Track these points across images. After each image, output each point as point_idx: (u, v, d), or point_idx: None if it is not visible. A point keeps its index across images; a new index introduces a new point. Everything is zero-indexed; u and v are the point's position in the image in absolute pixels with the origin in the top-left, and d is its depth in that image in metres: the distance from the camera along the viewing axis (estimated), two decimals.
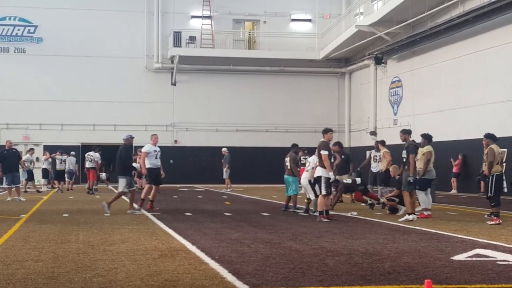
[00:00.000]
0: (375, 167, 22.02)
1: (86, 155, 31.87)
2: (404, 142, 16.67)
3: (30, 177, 32.18)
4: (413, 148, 16.38)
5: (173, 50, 41.29)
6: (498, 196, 15.26)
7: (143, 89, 42.19)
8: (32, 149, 33.72)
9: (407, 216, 15.81)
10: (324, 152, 15.76)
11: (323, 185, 15.71)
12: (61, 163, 32.37)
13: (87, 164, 31.14)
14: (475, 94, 30.24)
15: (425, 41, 33.60)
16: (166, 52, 42.02)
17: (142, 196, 18.91)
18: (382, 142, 22.25)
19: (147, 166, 18.80)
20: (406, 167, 16.38)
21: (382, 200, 19.74)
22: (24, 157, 32.25)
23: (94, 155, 31.00)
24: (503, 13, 27.50)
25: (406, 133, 16.82)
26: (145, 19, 42.39)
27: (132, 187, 18.20)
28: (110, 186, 34.89)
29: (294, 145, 19.91)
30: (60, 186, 32.27)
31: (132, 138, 18.41)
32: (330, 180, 15.85)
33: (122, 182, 17.88)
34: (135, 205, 18.42)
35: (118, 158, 18.02)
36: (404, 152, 16.44)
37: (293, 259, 9.33)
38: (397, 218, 16.45)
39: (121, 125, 40.95)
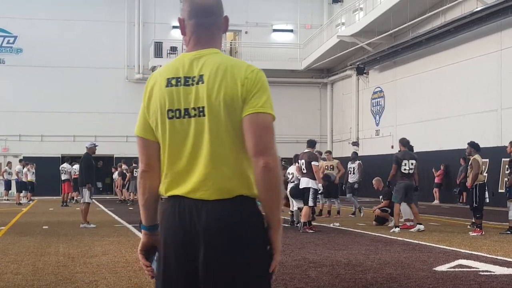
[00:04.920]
0: (352, 178, 22.01)
1: (60, 167, 31.30)
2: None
3: (19, 189, 31.98)
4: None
5: (154, 61, 41.13)
6: (482, 206, 15.23)
7: (124, 99, 41.85)
8: (21, 160, 33.34)
9: (394, 229, 15.53)
10: (315, 163, 15.74)
11: (310, 196, 15.67)
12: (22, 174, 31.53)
13: (62, 177, 30.43)
14: (456, 104, 30.37)
15: (406, 52, 33.74)
16: (147, 62, 41.88)
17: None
18: (330, 153, 22.62)
19: None
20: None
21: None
22: (16, 168, 32.04)
23: (67, 167, 30.46)
24: (484, 24, 27.67)
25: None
26: (126, 30, 42.24)
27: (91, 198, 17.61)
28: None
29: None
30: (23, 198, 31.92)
31: (96, 146, 18.17)
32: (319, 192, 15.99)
33: (85, 192, 17.28)
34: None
35: (81, 167, 17.63)
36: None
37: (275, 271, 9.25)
38: (380, 229, 16.45)
39: (102, 136, 40.69)
